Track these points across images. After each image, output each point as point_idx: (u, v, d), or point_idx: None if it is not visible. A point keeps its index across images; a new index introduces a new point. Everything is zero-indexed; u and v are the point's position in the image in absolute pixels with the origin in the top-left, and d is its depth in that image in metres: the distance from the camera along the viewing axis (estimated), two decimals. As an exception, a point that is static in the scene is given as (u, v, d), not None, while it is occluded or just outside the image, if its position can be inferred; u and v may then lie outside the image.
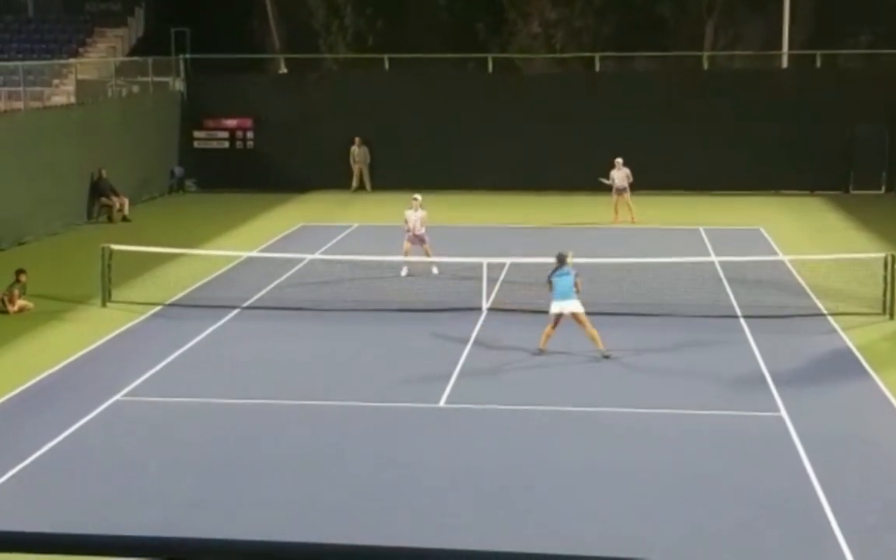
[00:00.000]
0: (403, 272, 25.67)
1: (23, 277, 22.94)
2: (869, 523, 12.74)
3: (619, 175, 33.01)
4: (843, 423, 16.09)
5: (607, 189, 33.35)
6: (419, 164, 39.56)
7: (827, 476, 13.94)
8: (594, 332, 19.22)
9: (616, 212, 33.03)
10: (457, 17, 48.44)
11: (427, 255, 25.95)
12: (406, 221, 26.01)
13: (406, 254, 25.83)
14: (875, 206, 36.16)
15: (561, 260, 19.59)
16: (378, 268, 25.65)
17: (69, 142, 33.27)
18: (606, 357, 19.15)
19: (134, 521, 12.67)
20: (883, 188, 39.10)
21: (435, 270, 25.76)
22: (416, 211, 25.85)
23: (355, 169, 40.49)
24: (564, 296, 19.20)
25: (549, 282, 19.44)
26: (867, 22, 45.60)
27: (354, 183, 40.44)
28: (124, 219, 34.11)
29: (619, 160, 33.23)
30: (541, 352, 19.35)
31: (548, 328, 19.31)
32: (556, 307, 19.26)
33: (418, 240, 25.87)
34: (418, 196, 26.53)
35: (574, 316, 19.20)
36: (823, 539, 12.33)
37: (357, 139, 40.22)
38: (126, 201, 34.66)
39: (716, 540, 12.38)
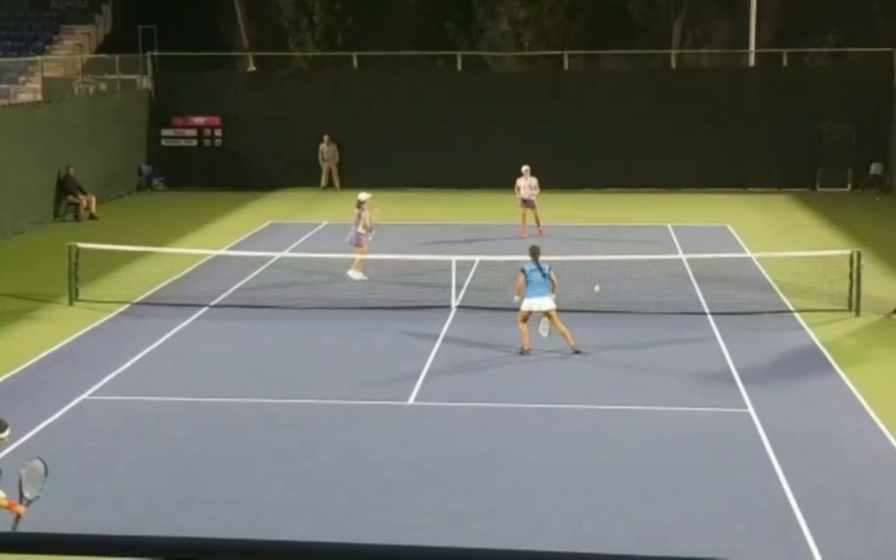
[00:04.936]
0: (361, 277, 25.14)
1: None
2: (835, 517, 12.85)
3: (525, 185, 30.44)
4: (810, 418, 16.21)
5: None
6: (388, 161, 39.53)
7: (793, 471, 14.05)
8: (565, 329, 19.27)
9: (524, 224, 30.46)
10: (426, 15, 48.41)
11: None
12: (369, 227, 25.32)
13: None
14: (841, 203, 36.44)
15: (534, 254, 19.55)
16: (347, 266, 25.59)
17: (36, 140, 33.04)
18: (577, 352, 19.22)
19: (101, 521, 12.61)
20: (849, 185, 39.39)
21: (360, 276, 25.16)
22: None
23: (324, 167, 40.45)
24: (539, 293, 19.20)
25: (523, 272, 19.31)
26: (833, 21, 45.91)
27: (323, 181, 40.39)
28: (91, 217, 33.91)
29: (526, 168, 30.66)
30: (527, 352, 19.27)
31: (523, 327, 19.30)
32: (528, 304, 19.25)
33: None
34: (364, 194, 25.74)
35: (547, 314, 19.23)
36: (790, 533, 12.42)
37: (326, 137, 40.17)
38: (93, 199, 34.46)
39: (684, 535, 12.45)
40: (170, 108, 41.50)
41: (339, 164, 40.45)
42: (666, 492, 13.60)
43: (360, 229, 25.25)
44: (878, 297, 22.72)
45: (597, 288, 22.12)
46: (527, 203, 30.44)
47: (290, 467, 14.47)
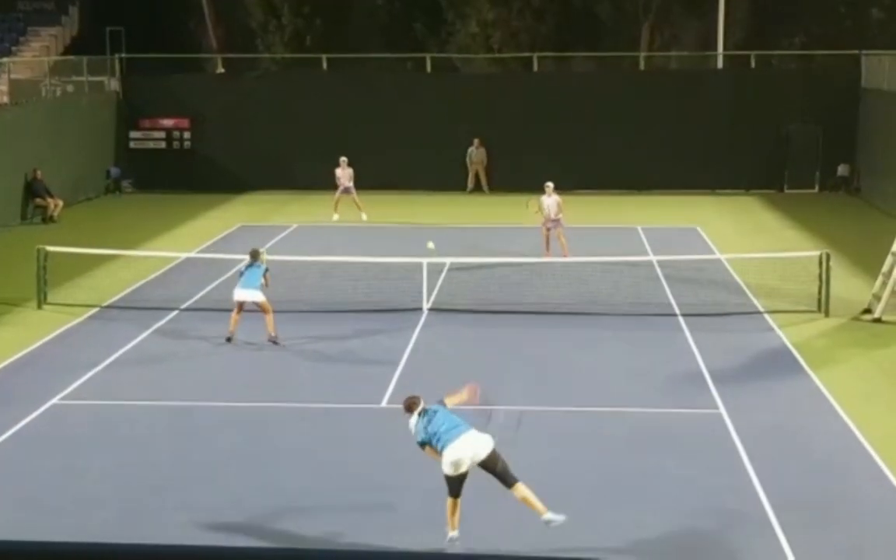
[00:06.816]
0: (335, 218, 32.91)
1: None
2: (807, 516, 12.92)
3: (551, 202, 27.27)
4: (781, 419, 16.30)
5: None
6: (357, 163, 39.27)
7: (765, 471, 14.12)
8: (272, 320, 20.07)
9: (547, 245, 27.21)
10: (395, 17, 48.42)
11: (356, 204, 32.84)
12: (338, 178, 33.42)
13: (337, 204, 33.11)
14: (809, 204, 36.65)
15: (253, 256, 20.58)
16: (318, 268, 25.52)
17: (3, 142, 32.79)
18: (275, 342, 19.93)
19: (72, 527, 12.52)
20: (816, 187, 39.65)
21: (364, 216, 32.80)
22: (344, 169, 33.36)
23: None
24: (246, 285, 20.14)
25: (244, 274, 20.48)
26: (801, 24, 46.26)
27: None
28: (51, 219, 33.61)
29: (550, 185, 27.74)
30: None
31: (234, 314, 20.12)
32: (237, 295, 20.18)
33: (346, 191, 33.14)
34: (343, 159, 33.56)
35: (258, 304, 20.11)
36: (762, 533, 12.48)
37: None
38: (60, 203, 34.20)
39: (657, 536, 12.48)
40: (138, 110, 41.27)
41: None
42: (637, 493, 13.63)
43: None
44: (847, 299, 22.85)
45: (431, 245, 23.97)
46: (551, 223, 27.27)
47: (263, 471, 14.40)
